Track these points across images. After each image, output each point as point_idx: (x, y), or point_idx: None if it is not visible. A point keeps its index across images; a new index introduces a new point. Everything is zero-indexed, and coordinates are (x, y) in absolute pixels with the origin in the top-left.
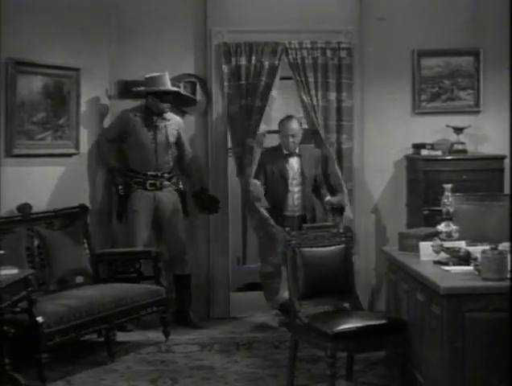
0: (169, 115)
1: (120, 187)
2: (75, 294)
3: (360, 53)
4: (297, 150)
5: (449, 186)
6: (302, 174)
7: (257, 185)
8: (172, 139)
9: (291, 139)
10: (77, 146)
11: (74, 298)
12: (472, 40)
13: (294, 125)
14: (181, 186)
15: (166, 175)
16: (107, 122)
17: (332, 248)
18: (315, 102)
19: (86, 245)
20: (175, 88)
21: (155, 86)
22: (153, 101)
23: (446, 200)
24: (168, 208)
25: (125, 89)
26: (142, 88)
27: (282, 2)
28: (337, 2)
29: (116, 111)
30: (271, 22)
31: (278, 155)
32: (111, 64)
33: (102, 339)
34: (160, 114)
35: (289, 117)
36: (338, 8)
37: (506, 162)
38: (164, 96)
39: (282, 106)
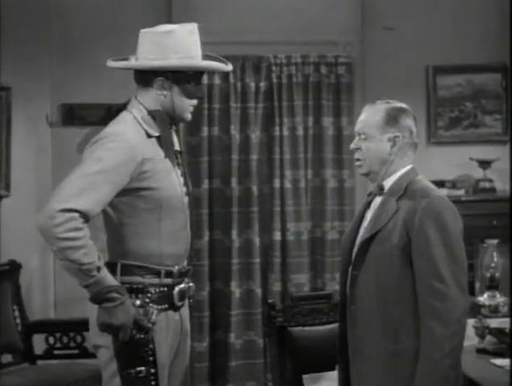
0: None
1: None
2: None
3: (362, 69)
4: None
5: (494, 241)
6: None
7: None
8: None
9: None
10: (8, 187)
11: None
12: (499, 54)
13: None
14: None
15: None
16: (49, 156)
17: (332, 326)
18: (300, 132)
19: (17, 313)
20: (210, 65)
21: (187, 58)
22: (177, 99)
23: (491, 262)
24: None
25: (71, 114)
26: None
27: (267, 6)
28: (334, 8)
29: (59, 141)
30: (252, 31)
31: None
32: (52, 84)
33: None
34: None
35: None
36: (335, 14)
37: None
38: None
39: None
